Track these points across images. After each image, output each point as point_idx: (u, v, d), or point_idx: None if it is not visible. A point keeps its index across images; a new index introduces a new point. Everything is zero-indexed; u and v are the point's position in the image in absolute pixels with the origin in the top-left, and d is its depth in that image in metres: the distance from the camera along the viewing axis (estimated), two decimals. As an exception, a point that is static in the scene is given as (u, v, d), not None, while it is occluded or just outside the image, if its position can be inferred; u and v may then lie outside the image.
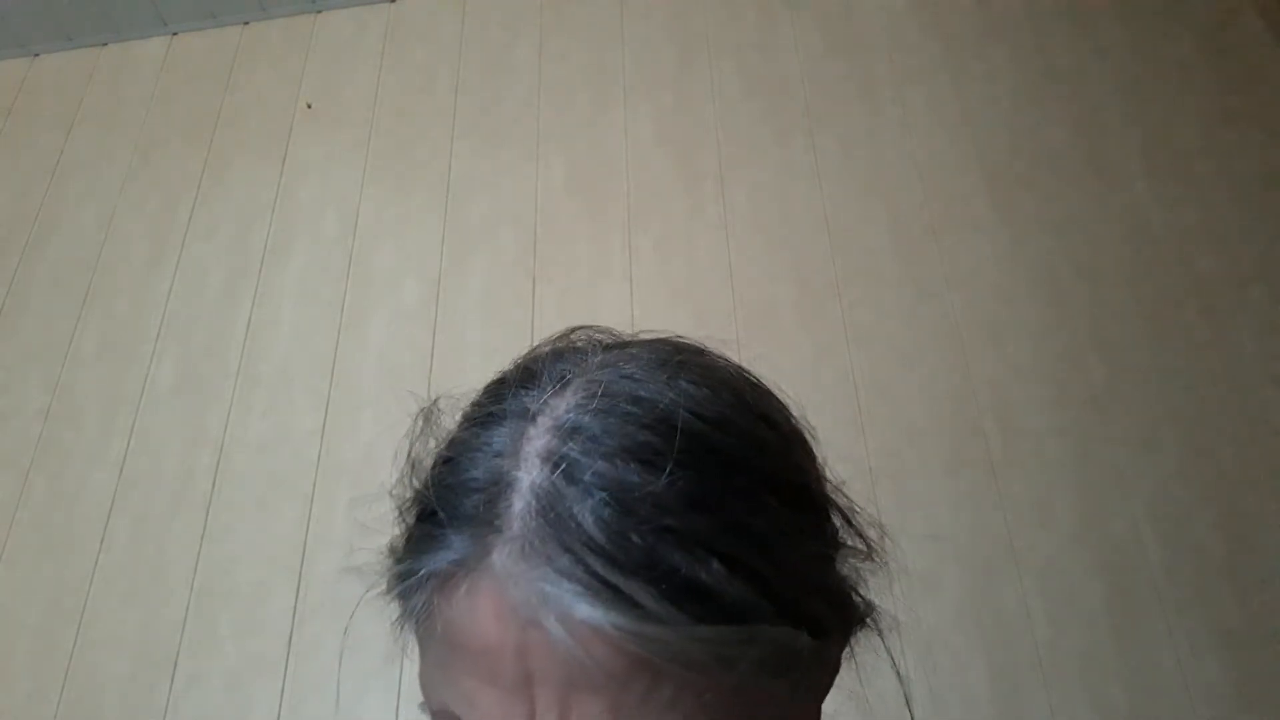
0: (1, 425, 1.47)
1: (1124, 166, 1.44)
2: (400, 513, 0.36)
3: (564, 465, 0.30)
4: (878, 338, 1.36)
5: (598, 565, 0.28)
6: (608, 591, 0.28)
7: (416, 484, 0.35)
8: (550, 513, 0.29)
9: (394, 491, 0.37)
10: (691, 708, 0.29)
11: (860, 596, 0.37)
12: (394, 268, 1.53)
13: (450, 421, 0.37)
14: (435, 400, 0.38)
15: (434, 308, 1.48)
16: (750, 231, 1.47)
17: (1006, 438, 1.26)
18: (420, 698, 0.34)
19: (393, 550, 0.35)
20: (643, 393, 0.32)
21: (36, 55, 1.89)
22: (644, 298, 1.44)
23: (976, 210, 1.44)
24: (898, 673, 0.40)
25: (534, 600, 0.28)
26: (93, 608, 1.30)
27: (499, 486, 0.31)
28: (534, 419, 0.32)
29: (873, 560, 0.37)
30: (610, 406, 0.32)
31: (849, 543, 0.37)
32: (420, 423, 0.38)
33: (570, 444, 0.31)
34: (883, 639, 0.37)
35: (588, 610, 0.28)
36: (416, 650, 0.35)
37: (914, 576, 1.16)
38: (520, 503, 0.30)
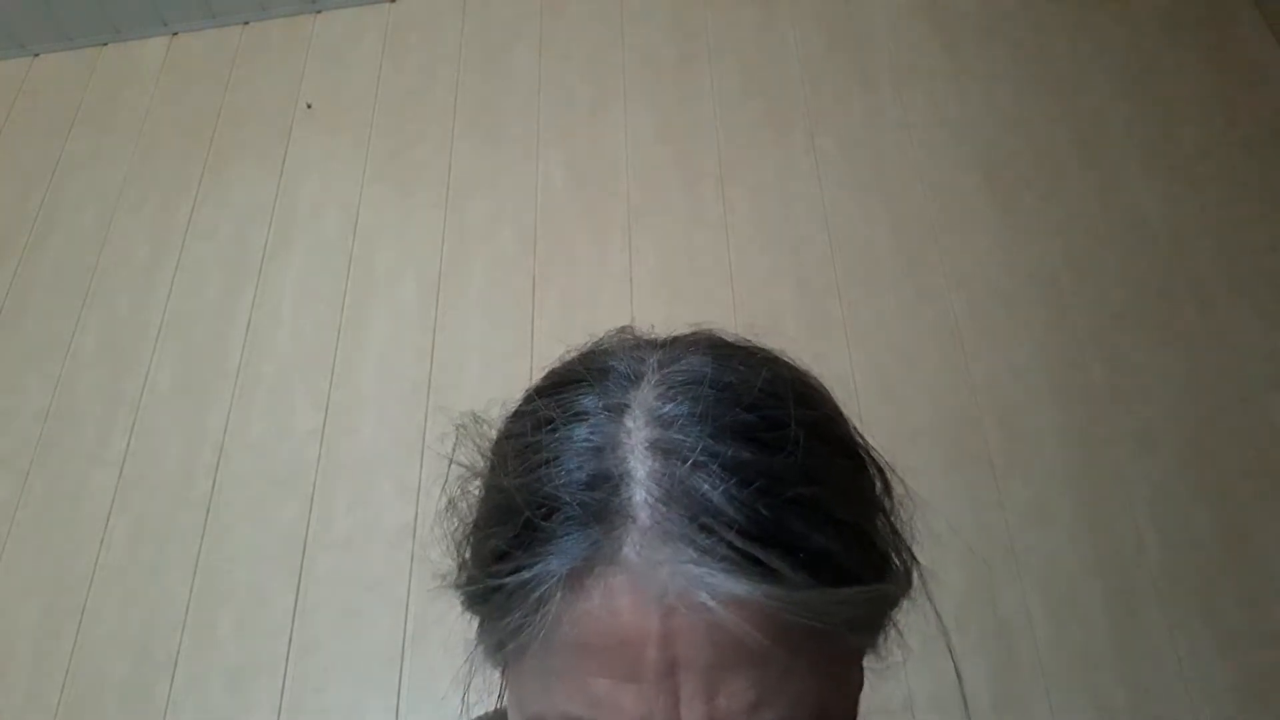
0: (1, 425, 1.47)
1: (1124, 166, 1.44)
2: (477, 526, 0.36)
3: (677, 452, 0.31)
4: (878, 338, 1.36)
5: (737, 540, 0.29)
6: (751, 564, 0.29)
7: (507, 485, 0.34)
8: (678, 497, 0.30)
9: (447, 510, 0.37)
10: (825, 670, 0.31)
11: (910, 550, 0.39)
12: (394, 268, 1.53)
13: (487, 433, 0.38)
14: (475, 414, 0.39)
15: (434, 308, 1.48)
16: (750, 231, 1.47)
17: (1006, 438, 1.26)
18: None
19: (481, 562, 0.34)
20: (728, 378, 0.33)
21: (36, 55, 1.89)
22: (644, 298, 1.43)
23: (976, 210, 1.44)
24: (942, 627, 0.42)
25: (681, 582, 0.29)
26: (93, 608, 1.30)
27: (614, 480, 0.31)
28: (625, 411, 0.33)
29: (902, 517, 0.40)
30: (697, 394, 0.33)
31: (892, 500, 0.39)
32: (459, 438, 0.38)
33: (674, 431, 0.31)
34: (926, 591, 0.39)
35: (737, 584, 0.28)
36: (511, 670, 0.34)
37: (926, 577, 1.16)
38: (641, 492, 0.30)
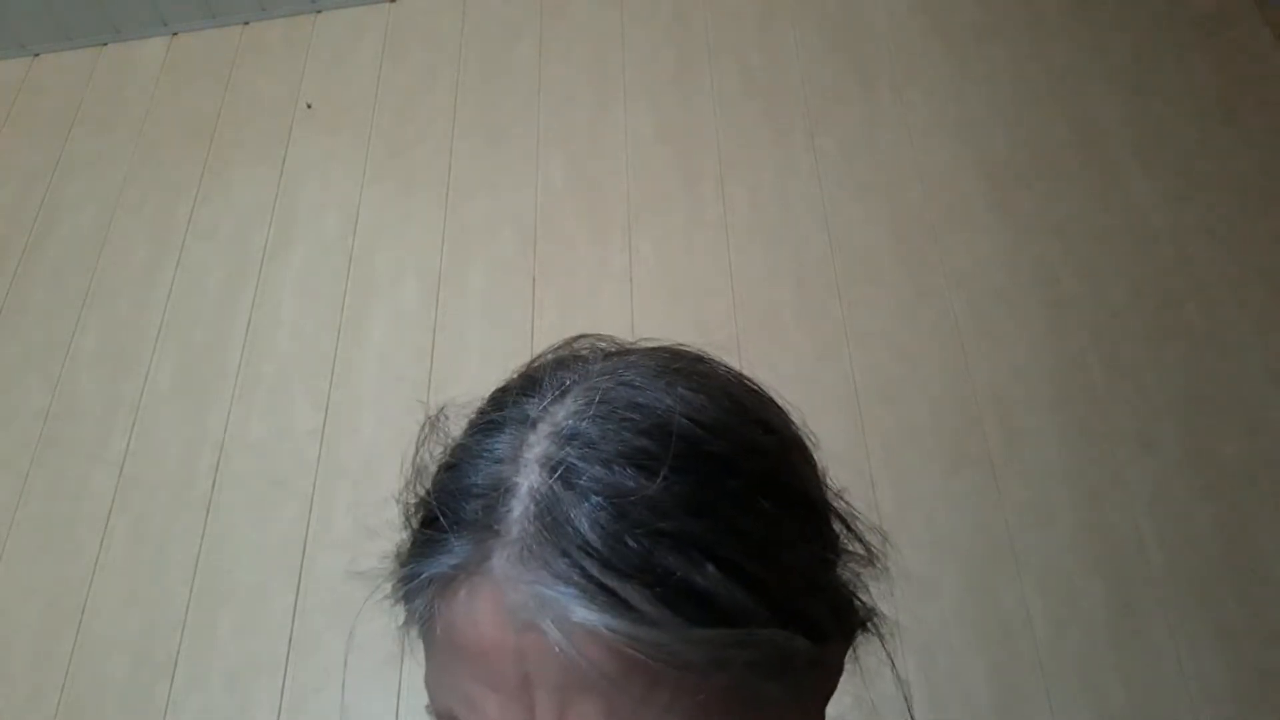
0: (1, 425, 1.47)
1: (1124, 166, 1.44)
2: (406, 518, 0.36)
3: (561, 470, 0.30)
4: (878, 338, 1.36)
5: (593, 569, 0.28)
6: (603, 595, 0.28)
7: (421, 490, 0.36)
8: (547, 517, 0.30)
9: (400, 497, 0.37)
10: (688, 709, 0.29)
11: (861, 601, 0.37)
12: (394, 268, 1.53)
13: (456, 429, 0.38)
14: (442, 408, 0.39)
15: (434, 308, 1.48)
16: (750, 231, 1.47)
17: (1006, 438, 1.26)
18: (426, 700, 0.34)
19: (398, 555, 0.36)
20: (640, 399, 0.33)
21: (36, 55, 1.89)
22: (644, 297, 1.44)
23: (976, 210, 1.44)
24: (897, 676, 0.40)
25: (531, 603, 0.29)
26: (93, 608, 1.30)
27: (499, 492, 0.31)
28: (534, 425, 0.33)
29: (873, 566, 0.37)
30: (608, 413, 0.32)
31: (850, 548, 0.37)
32: (426, 430, 0.38)
33: (568, 449, 0.31)
34: (883, 644, 0.37)
35: (583, 613, 0.28)
36: (422, 653, 0.36)
37: (914, 577, 1.16)
38: (519, 507, 0.31)
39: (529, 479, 0.31)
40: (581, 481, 0.30)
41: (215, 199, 1.65)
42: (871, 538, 0.38)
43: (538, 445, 0.32)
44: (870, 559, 0.37)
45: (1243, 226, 1.37)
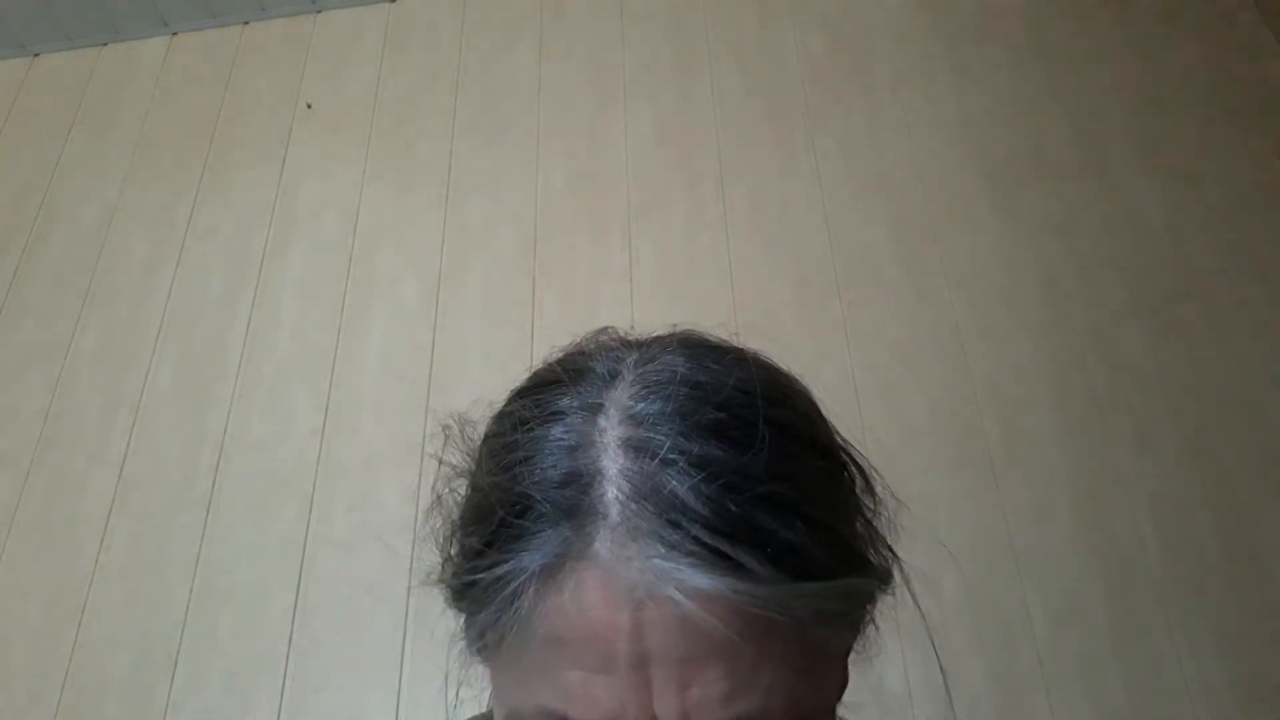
0: (1, 425, 1.47)
1: (1124, 166, 1.44)
2: (459, 524, 0.37)
3: (648, 449, 0.31)
4: (878, 338, 1.36)
5: (705, 536, 0.29)
6: (718, 559, 0.29)
7: (486, 484, 0.35)
8: (647, 494, 0.31)
9: (439, 501, 0.38)
10: (796, 664, 0.31)
11: (889, 548, 0.39)
12: (394, 268, 1.53)
13: (475, 434, 0.38)
14: (460, 416, 0.40)
15: (434, 308, 1.48)
16: (750, 231, 1.47)
17: (1006, 438, 1.26)
18: (480, 706, 0.34)
19: (462, 558, 0.36)
20: (698, 376, 0.34)
21: (36, 55, 1.89)
22: (644, 297, 1.44)
23: (976, 210, 1.44)
24: (920, 610, 0.42)
25: (649, 578, 0.29)
26: (93, 608, 1.30)
27: (586, 477, 0.32)
28: (602, 411, 0.34)
29: (884, 514, 0.40)
30: (671, 392, 0.33)
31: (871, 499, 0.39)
32: (456, 430, 0.39)
33: (645, 430, 0.32)
34: (908, 586, 0.39)
35: (704, 579, 0.29)
36: (493, 663, 0.35)
37: (914, 577, 1.16)
38: (612, 489, 0.31)
39: (616, 461, 0.32)
40: (671, 457, 0.31)
41: (215, 199, 1.65)
42: (880, 490, 0.40)
43: (611, 430, 0.33)
44: (883, 511, 0.40)
45: (1242, 226, 1.37)
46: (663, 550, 0.29)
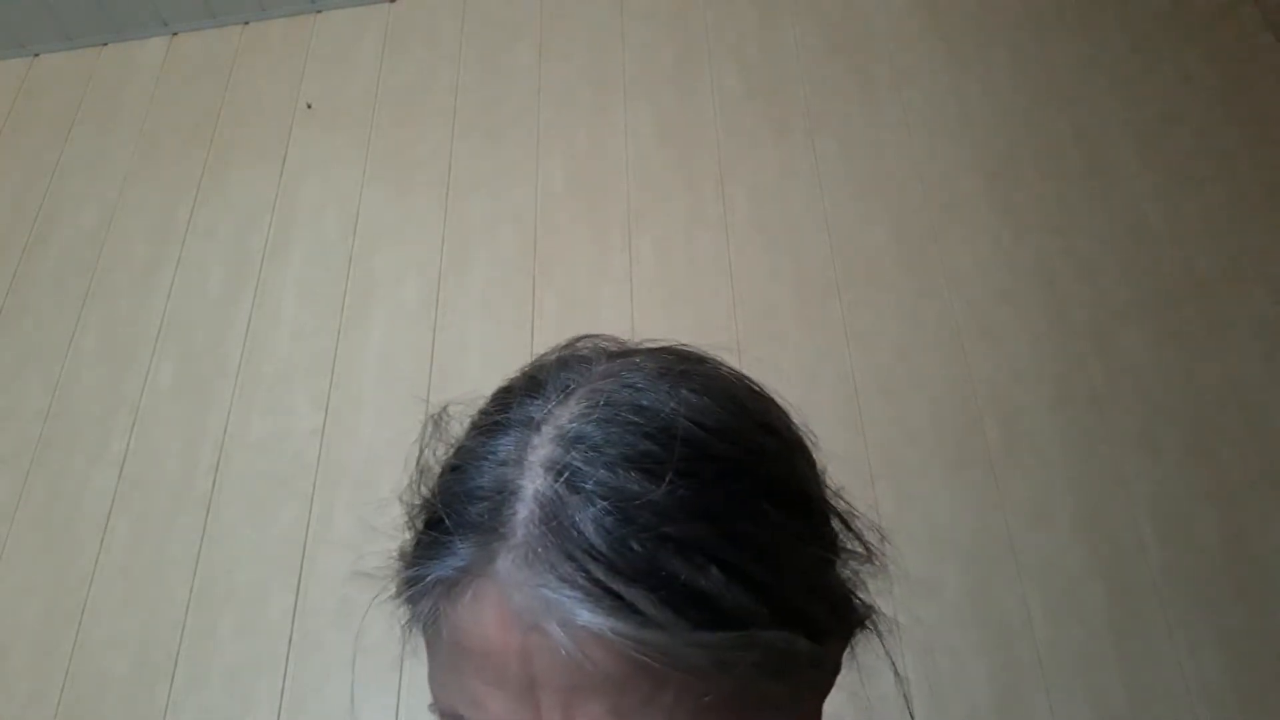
0: (1, 425, 1.47)
1: (1124, 166, 1.44)
2: (410, 519, 0.37)
3: (566, 474, 0.31)
4: (878, 338, 1.36)
5: (598, 572, 0.29)
6: (608, 598, 0.28)
7: (425, 491, 0.36)
8: (553, 520, 0.30)
9: (404, 497, 0.37)
10: (691, 710, 0.29)
11: (860, 599, 0.37)
12: (394, 268, 1.53)
13: (459, 428, 0.38)
14: (445, 407, 0.39)
15: (434, 308, 1.48)
16: (750, 231, 1.47)
17: (1006, 438, 1.26)
18: (430, 698, 0.35)
19: (402, 555, 0.36)
20: (644, 401, 0.33)
21: (36, 55, 1.89)
22: (644, 298, 1.44)
23: (976, 210, 1.44)
24: (896, 674, 0.40)
25: (536, 606, 0.29)
26: (93, 608, 1.30)
27: (504, 494, 0.32)
28: (538, 428, 0.33)
29: (872, 563, 0.38)
30: (613, 416, 0.32)
31: (849, 546, 0.37)
32: (430, 429, 0.39)
33: (573, 453, 0.31)
34: (882, 641, 0.38)
35: (588, 616, 0.28)
36: (425, 653, 0.36)
37: (914, 577, 1.16)
38: (524, 510, 0.31)
39: (534, 482, 0.31)
40: (586, 485, 0.30)
41: (215, 199, 1.65)
42: (870, 536, 0.38)
43: (542, 448, 0.32)
44: (869, 557, 0.37)
45: (1243, 226, 1.37)
46: (553, 581, 0.29)
